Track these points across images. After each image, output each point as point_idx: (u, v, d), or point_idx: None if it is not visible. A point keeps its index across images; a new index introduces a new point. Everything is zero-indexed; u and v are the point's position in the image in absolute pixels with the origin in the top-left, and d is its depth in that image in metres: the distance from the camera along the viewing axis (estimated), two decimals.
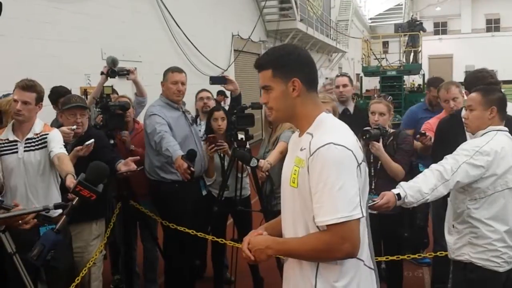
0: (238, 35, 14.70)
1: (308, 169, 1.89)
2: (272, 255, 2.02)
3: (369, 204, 2.91)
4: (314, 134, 1.96)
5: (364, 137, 3.90)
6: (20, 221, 2.64)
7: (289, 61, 2.01)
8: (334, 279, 1.93)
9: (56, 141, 3.49)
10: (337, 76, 5.19)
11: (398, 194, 2.87)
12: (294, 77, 1.99)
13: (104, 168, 2.36)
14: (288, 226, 2.06)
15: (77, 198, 2.31)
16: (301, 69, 2.01)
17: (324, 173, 1.84)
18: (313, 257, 1.94)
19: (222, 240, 4.37)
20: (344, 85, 4.92)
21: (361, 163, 1.92)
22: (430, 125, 4.53)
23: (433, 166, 2.99)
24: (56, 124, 4.12)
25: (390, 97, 4.51)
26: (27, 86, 3.49)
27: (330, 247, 1.85)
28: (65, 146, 3.56)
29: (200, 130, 5.09)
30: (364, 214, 1.89)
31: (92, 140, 3.73)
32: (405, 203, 2.90)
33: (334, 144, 1.85)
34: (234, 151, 4.23)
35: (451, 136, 3.69)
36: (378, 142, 3.92)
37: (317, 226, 1.90)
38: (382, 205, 2.87)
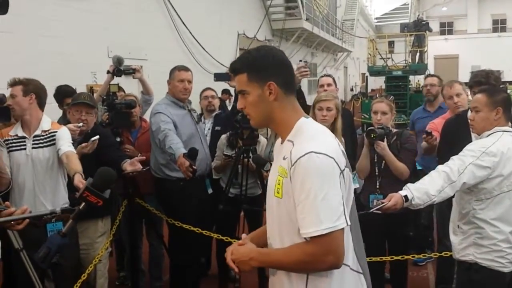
0: (244, 34, 14.71)
1: (290, 179, 1.84)
2: (256, 266, 1.98)
3: (378, 207, 2.92)
4: (294, 142, 1.90)
5: (370, 137, 3.91)
6: (12, 222, 2.64)
7: (264, 64, 1.94)
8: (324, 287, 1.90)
9: (65, 139, 3.52)
10: (321, 76, 5.24)
11: (405, 196, 2.87)
12: (270, 80, 1.92)
13: (112, 174, 2.33)
14: (274, 237, 2.01)
15: (83, 203, 2.30)
16: (277, 71, 1.94)
17: (306, 183, 1.78)
18: (297, 269, 1.90)
19: (227, 239, 4.38)
20: (329, 85, 4.95)
21: (344, 170, 1.86)
22: (435, 125, 4.54)
23: (439, 167, 2.98)
24: (63, 122, 4.14)
25: (391, 96, 4.52)
26: (13, 82, 3.58)
27: (314, 258, 1.82)
28: (72, 143, 3.59)
29: (204, 129, 5.11)
30: (349, 223, 1.83)
31: (97, 136, 3.75)
32: (412, 205, 2.89)
33: (315, 152, 1.79)
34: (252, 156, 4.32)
35: (457, 136, 3.70)
36: (383, 141, 3.93)
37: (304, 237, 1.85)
38: (390, 207, 2.87)
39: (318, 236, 1.78)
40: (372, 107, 4.21)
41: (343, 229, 1.81)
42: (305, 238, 1.83)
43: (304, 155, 1.80)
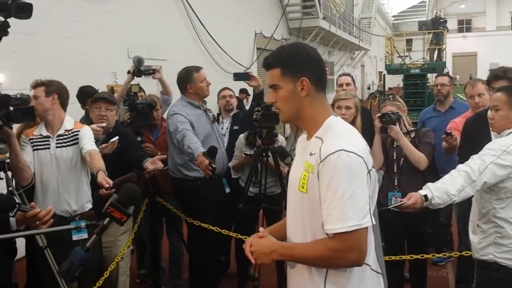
0: (261, 33, 14.71)
1: (318, 175, 1.86)
2: (277, 259, 1.99)
3: (396, 204, 2.92)
4: (324, 139, 1.91)
5: (383, 121, 3.91)
6: (37, 222, 2.71)
7: (298, 60, 1.97)
8: (343, 284, 1.91)
9: (88, 138, 3.58)
10: (340, 75, 5.20)
11: (425, 195, 2.87)
12: (303, 76, 1.95)
13: (137, 191, 2.38)
14: (296, 231, 2.02)
15: (108, 218, 2.34)
16: (310, 68, 1.98)
17: (334, 180, 1.81)
18: (319, 264, 1.92)
19: (246, 237, 4.40)
20: (348, 84, 4.93)
21: (370, 170, 1.89)
22: (456, 124, 4.51)
23: (459, 166, 2.97)
24: (85, 122, 4.21)
25: (396, 96, 4.51)
26: (35, 83, 3.67)
27: (337, 255, 1.84)
28: (95, 143, 3.65)
29: (222, 128, 5.15)
30: (374, 222, 1.86)
31: (117, 137, 3.81)
32: (432, 205, 2.89)
33: (345, 151, 1.81)
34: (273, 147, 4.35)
35: (477, 135, 3.68)
36: (396, 125, 3.92)
37: (326, 233, 1.87)
38: (410, 205, 2.87)
39: (343, 233, 1.80)
40: (381, 111, 4.21)
41: (367, 227, 1.83)
42: (327, 234, 1.86)
43: (334, 152, 1.82)
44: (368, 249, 1.88)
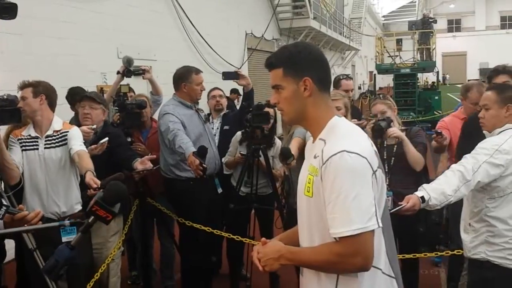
0: (252, 33, 14.72)
1: (321, 178, 1.81)
2: (285, 264, 1.94)
3: (396, 209, 2.90)
4: (326, 140, 1.87)
5: (376, 131, 3.90)
6: (25, 224, 2.68)
7: (301, 60, 1.92)
8: None
9: (77, 139, 3.55)
10: (340, 78, 5.11)
11: (422, 197, 2.85)
12: (306, 76, 1.90)
13: (123, 189, 2.31)
14: (305, 236, 1.99)
15: (92, 216, 2.29)
16: (313, 67, 1.93)
17: (337, 182, 1.76)
18: (325, 269, 1.89)
19: (237, 237, 4.40)
20: (352, 90, 4.89)
21: (376, 170, 1.83)
22: (445, 123, 4.50)
23: (453, 166, 2.96)
24: (75, 123, 4.18)
25: (387, 96, 4.47)
26: (23, 84, 3.64)
27: (341, 259, 1.79)
28: (84, 143, 3.62)
29: (212, 128, 5.13)
30: (381, 225, 1.79)
31: (106, 139, 3.79)
32: (429, 206, 2.87)
33: (347, 151, 1.76)
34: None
35: (477, 134, 3.62)
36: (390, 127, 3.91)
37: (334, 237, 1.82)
38: (409, 208, 2.85)
39: (347, 237, 1.75)
40: (371, 110, 4.20)
41: (373, 230, 1.78)
42: (334, 238, 1.81)
43: (336, 153, 1.77)
44: (377, 252, 1.83)
